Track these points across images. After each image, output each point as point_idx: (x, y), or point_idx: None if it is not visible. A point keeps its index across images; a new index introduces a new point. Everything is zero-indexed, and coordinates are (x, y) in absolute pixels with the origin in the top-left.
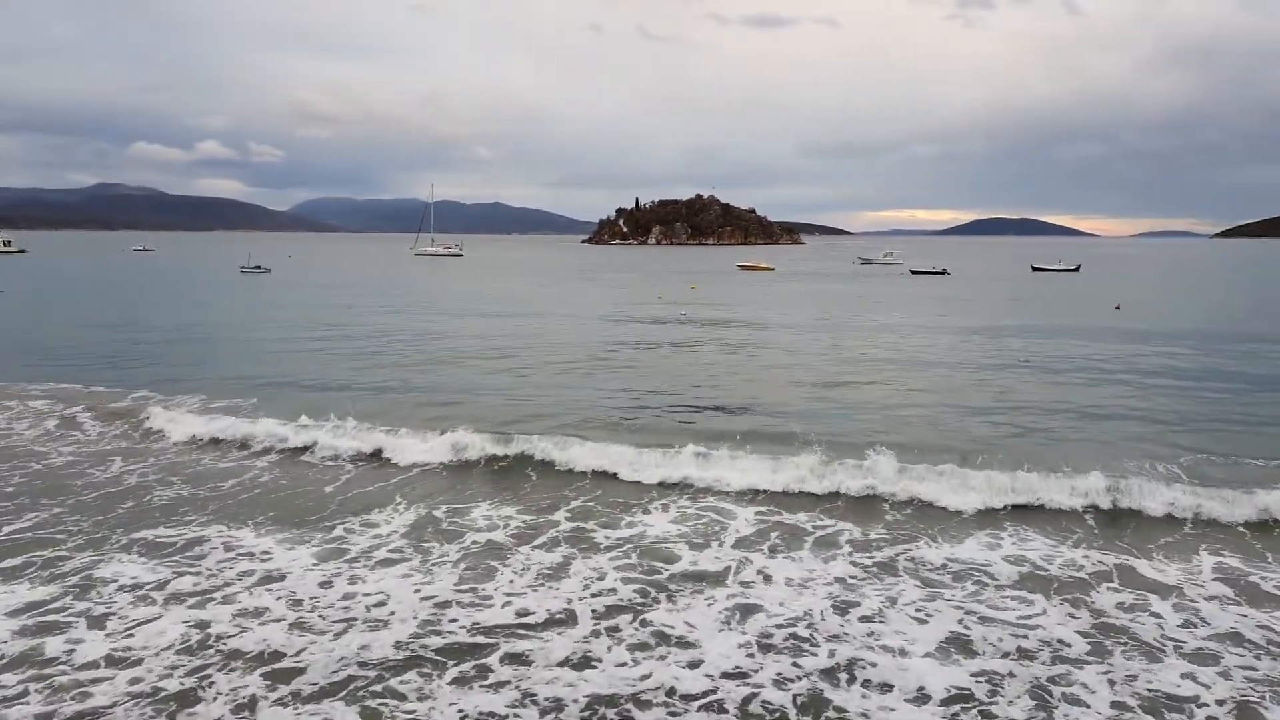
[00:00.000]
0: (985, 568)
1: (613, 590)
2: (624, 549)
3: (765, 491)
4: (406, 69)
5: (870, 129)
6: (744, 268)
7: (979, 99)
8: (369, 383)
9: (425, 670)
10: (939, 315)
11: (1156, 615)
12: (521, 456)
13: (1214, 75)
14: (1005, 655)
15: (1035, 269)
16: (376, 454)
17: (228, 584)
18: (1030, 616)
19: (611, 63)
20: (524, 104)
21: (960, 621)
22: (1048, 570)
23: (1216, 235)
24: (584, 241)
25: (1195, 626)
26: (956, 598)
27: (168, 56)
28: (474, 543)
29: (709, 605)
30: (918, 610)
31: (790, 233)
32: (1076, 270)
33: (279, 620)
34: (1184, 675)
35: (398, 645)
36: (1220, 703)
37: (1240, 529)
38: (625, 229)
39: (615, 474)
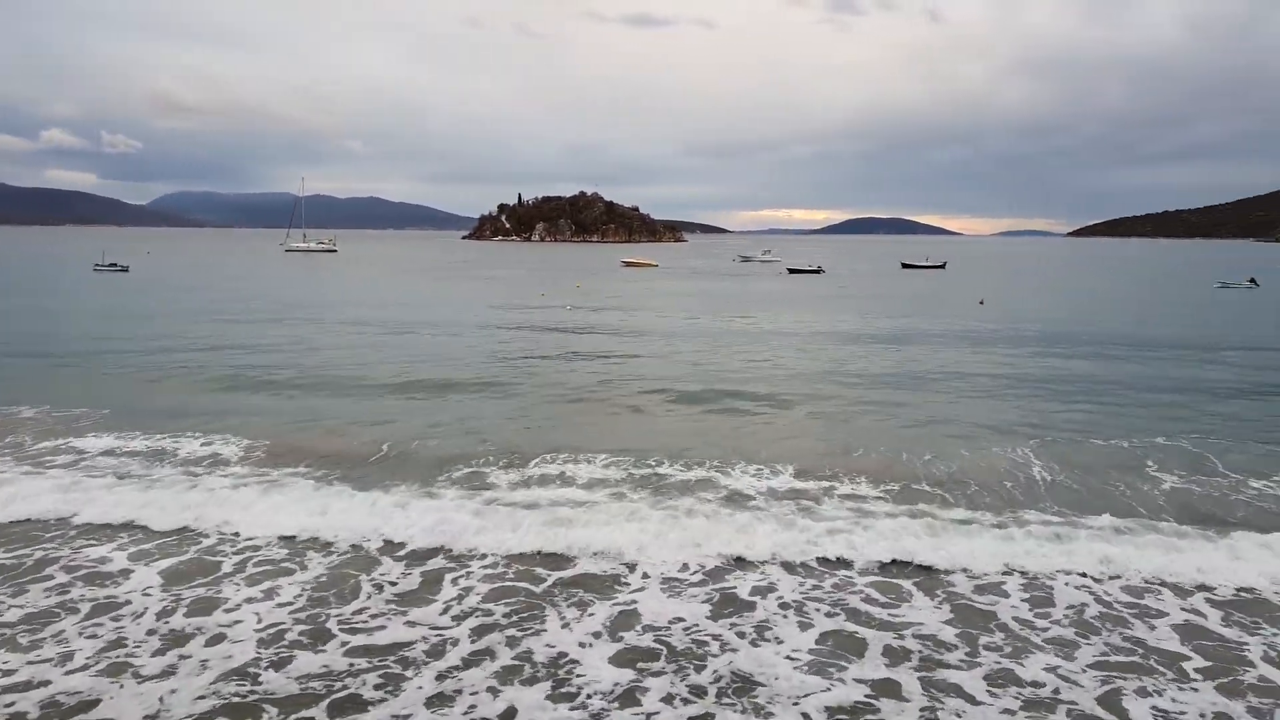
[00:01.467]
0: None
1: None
2: None
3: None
4: (275, 59)
5: (749, 130)
6: (628, 264)
7: (852, 102)
8: (206, 409)
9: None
10: (816, 314)
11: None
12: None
13: (1065, 84)
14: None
15: (905, 266)
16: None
17: None
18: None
19: (490, 58)
20: (400, 97)
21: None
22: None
23: (1069, 234)
24: (465, 237)
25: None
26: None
27: (6, 39)
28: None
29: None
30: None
31: (673, 230)
32: (943, 268)
33: None
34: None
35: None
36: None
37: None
38: (508, 225)
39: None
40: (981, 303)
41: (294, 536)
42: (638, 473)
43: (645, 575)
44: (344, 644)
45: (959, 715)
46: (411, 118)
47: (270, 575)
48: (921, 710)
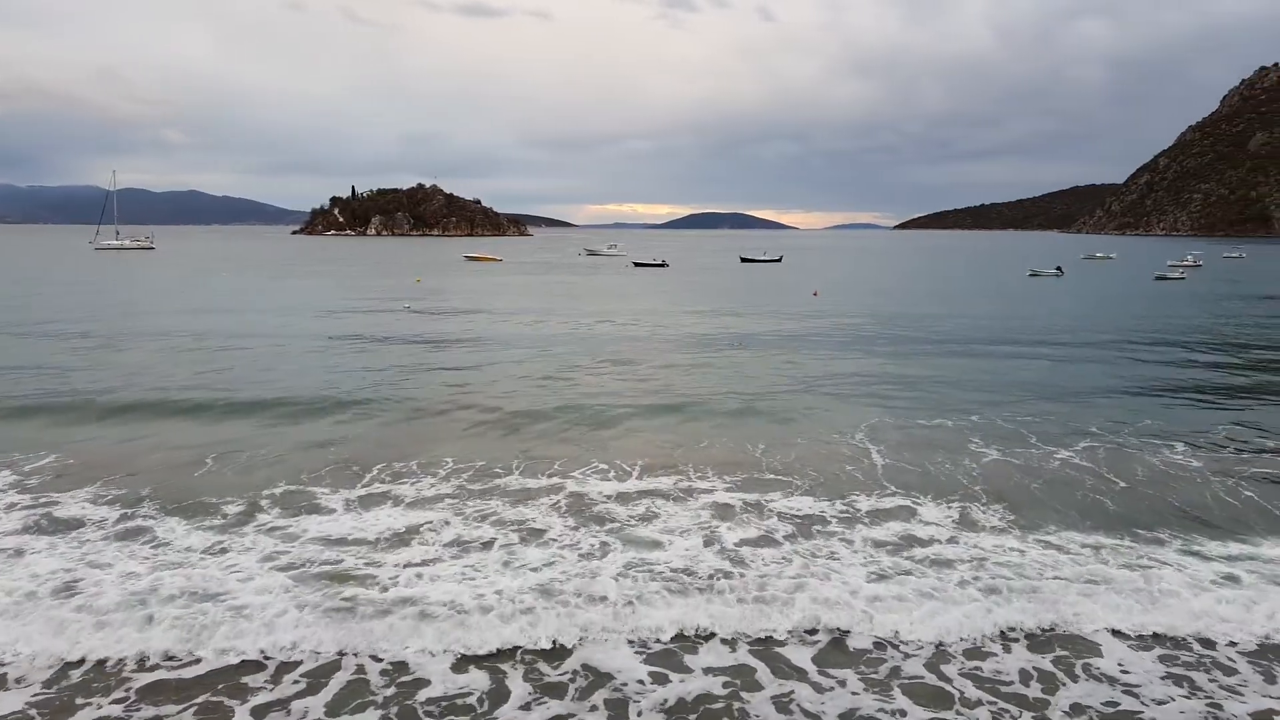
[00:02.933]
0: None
1: None
2: None
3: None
4: (73, 39)
5: (587, 123)
6: (472, 259)
7: (689, 97)
8: None
9: None
10: (662, 306)
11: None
12: None
13: (889, 84)
14: None
15: (744, 260)
16: None
17: None
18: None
19: (317, 45)
20: (219, 84)
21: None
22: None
23: (896, 227)
24: (295, 232)
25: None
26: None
27: None
28: None
29: None
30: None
31: (517, 224)
32: (779, 261)
33: None
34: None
35: None
36: None
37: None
38: (342, 219)
39: None
40: (816, 294)
41: None
42: (477, 485)
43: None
44: None
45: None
46: (232, 106)
47: None
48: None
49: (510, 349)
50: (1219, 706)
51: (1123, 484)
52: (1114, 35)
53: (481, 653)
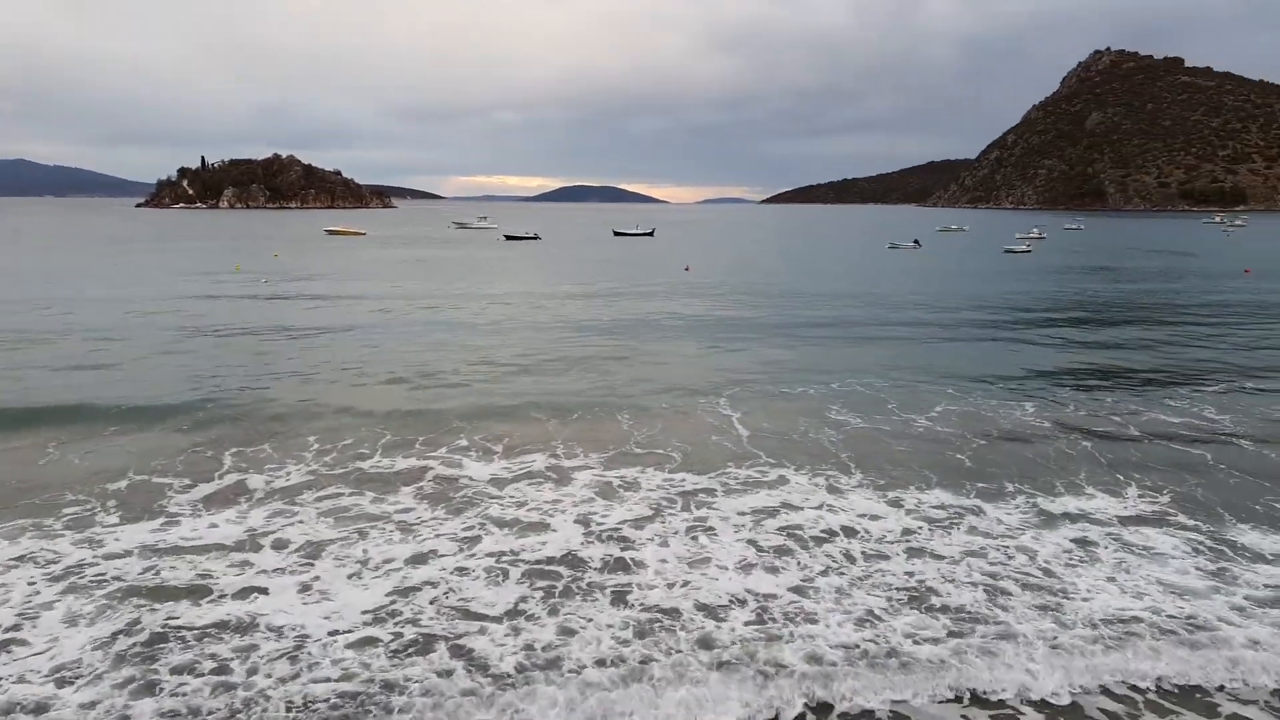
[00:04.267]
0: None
1: None
2: None
3: None
4: None
5: (454, 93)
6: (332, 233)
7: (558, 69)
8: None
9: None
10: (535, 281)
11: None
12: None
13: (753, 59)
14: None
15: (616, 233)
16: None
17: None
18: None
19: (159, 10)
20: (47, 46)
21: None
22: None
23: (763, 201)
24: (140, 205)
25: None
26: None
27: None
28: None
29: None
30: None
31: (380, 196)
32: (651, 234)
33: None
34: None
35: None
36: None
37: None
38: (191, 191)
39: None
40: (688, 269)
41: None
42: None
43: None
44: None
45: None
46: (63, 71)
47: None
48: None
49: (373, 332)
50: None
51: (979, 443)
52: (963, 14)
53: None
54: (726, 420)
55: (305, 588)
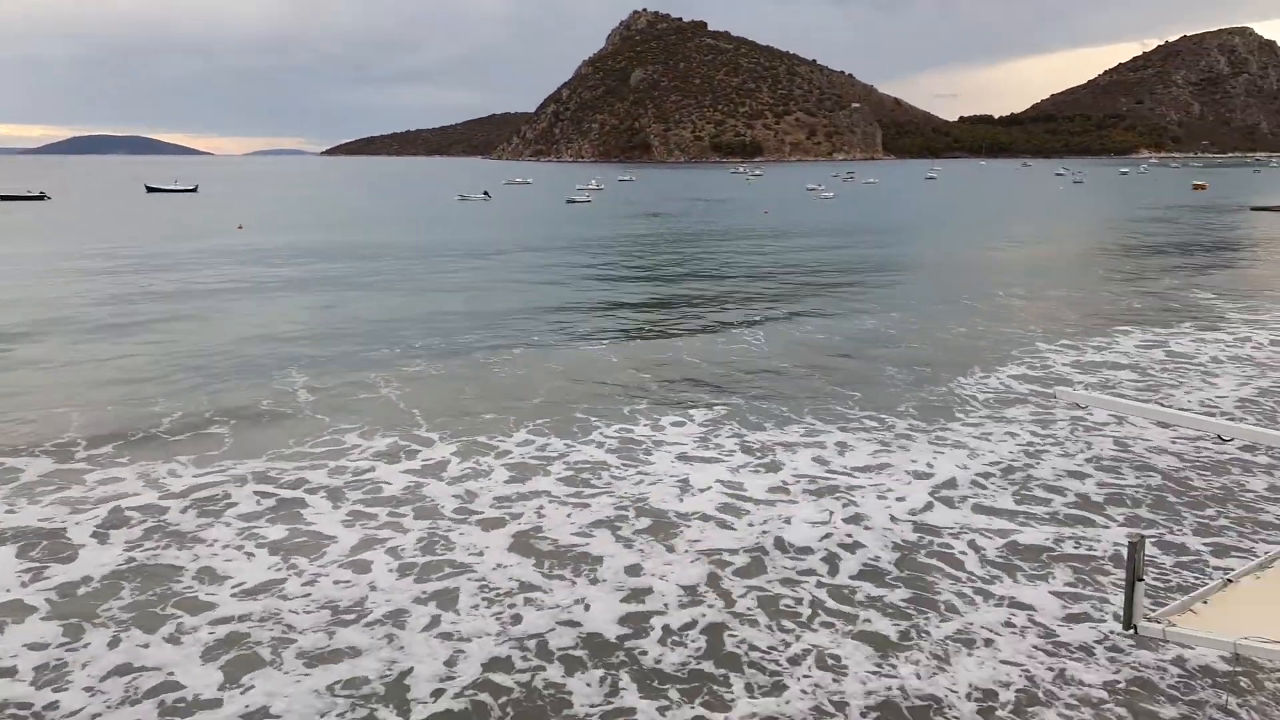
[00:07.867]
0: None
1: None
2: None
3: None
4: None
5: None
6: None
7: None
8: None
9: None
10: (40, 247)
11: None
12: None
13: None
14: None
15: (150, 190)
16: None
17: None
18: None
19: None
20: None
21: None
22: None
23: (323, 153)
24: None
25: None
26: None
27: None
28: None
29: None
30: None
31: None
32: (194, 190)
33: None
34: None
35: None
36: None
37: None
38: None
39: None
40: (240, 228)
41: None
42: None
43: None
44: None
45: None
46: None
47: None
48: None
49: None
50: None
51: (557, 382)
52: None
53: None
54: (287, 384)
55: None
